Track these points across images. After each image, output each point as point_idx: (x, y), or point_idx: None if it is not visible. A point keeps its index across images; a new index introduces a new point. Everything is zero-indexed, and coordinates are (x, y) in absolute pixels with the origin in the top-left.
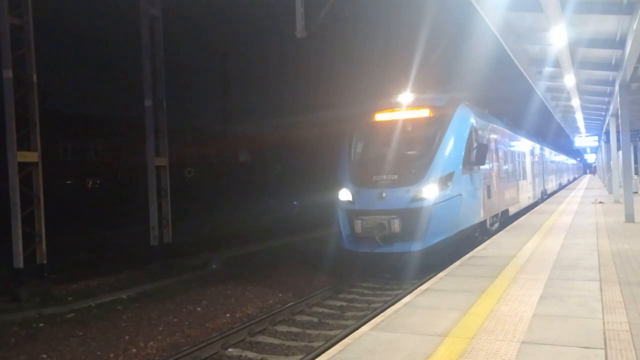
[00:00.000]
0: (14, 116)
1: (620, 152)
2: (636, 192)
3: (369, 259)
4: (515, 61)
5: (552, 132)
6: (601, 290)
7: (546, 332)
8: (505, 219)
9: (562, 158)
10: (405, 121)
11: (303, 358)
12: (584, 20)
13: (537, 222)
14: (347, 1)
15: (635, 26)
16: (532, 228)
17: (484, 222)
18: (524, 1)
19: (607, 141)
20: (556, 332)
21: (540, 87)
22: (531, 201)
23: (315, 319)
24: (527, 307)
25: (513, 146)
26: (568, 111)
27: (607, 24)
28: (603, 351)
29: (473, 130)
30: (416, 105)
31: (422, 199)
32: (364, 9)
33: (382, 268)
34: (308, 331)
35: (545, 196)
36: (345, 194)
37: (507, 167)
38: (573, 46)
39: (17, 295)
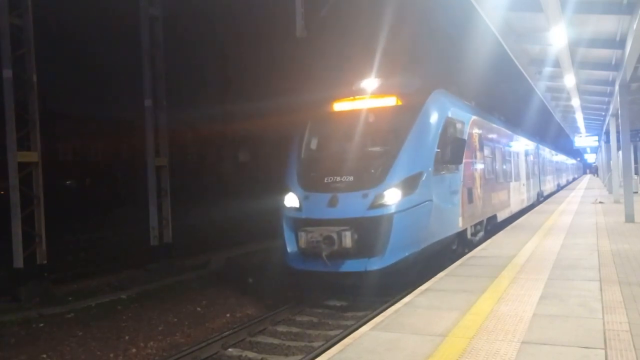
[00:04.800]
0: (14, 116)
1: (620, 152)
2: (636, 192)
3: (321, 279)
4: (515, 61)
5: (551, 132)
6: (601, 290)
7: (546, 332)
8: (493, 226)
9: (560, 158)
10: (367, 111)
11: (303, 358)
12: (584, 20)
13: (537, 222)
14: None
15: (635, 26)
16: (532, 228)
17: (464, 231)
18: (524, 1)
19: (607, 141)
20: (556, 332)
21: (540, 87)
22: (525, 204)
23: (315, 319)
24: (527, 307)
25: (504, 144)
26: (568, 111)
27: (607, 24)
28: (603, 351)
29: (449, 123)
30: (380, 92)
31: (381, 206)
32: (363, 8)
33: (337, 290)
34: (308, 331)
35: (541, 198)
36: (291, 200)
37: (495, 166)
38: (573, 46)
39: (17, 295)
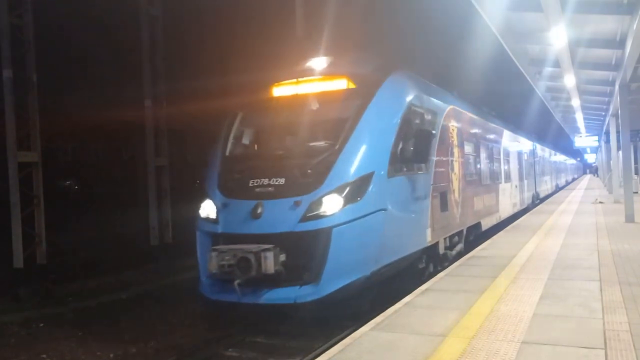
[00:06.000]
0: (14, 116)
1: (620, 152)
2: (636, 192)
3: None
4: (515, 61)
5: (550, 132)
6: (601, 290)
7: (546, 332)
8: (477, 236)
9: (559, 157)
10: (309, 97)
11: (303, 358)
12: (584, 20)
13: (537, 222)
14: None
15: (635, 26)
16: (532, 228)
17: (434, 246)
18: (524, 1)
19: (607, 141)
20: (556, 332)
21: (540, 87)
22: (517, 209)
23: (315, 319)
24: (527, 307)
25: (492, 141)
26: (568, 111)
27: (607, 24)
28: (603, 351)
29: (413, 112)
30: (327, 73)
31: (317, 217)
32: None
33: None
34: (310, 331)
35: (537, 201)
36: (207, 209)
37: (479, 166)
38: (573, 46)
39: (17, 295)
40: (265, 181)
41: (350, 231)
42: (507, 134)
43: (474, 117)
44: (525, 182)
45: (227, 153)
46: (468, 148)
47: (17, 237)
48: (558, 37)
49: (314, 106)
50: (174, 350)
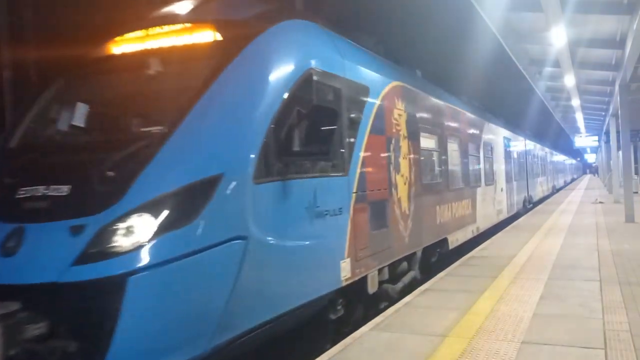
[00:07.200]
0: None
1: (620, 152)
2: (636, 192)
3: None
4: (515, 61)
5: (550, 131)
6: (601, 290)
7: (546, 332)
8: (443, 255)
9: (558, 157)
10: (151, 56)
11: (303, 358)
12: (584, 20)
13: (537, 222)
14: None
15: (635, 26)
16: (532, 228)
17: (358, 283)
18: (524, 1)
19: (607, 141)
20: (556, 332)
21: (540, 87)
22: (503, 216)
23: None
24: (527, 307)
25: (466, 135)
26: (568, 111)
27: (607, 24)
28: (603, 351)
29: (315, 81)
30: (188, 20)
31: (105, 255)
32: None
33: None
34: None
35: (529, 205)
36: None
37: (445, 166)
38: (573, 46)
39: None
40: (40, 190)
41: (163, 280)
42: (490, 129)
43: (440, 103)
44: (515, 184)
45: (13, 144)
46: (427, 142)
47: None
48: (558, 37)
49: (156, 69)
50: None
